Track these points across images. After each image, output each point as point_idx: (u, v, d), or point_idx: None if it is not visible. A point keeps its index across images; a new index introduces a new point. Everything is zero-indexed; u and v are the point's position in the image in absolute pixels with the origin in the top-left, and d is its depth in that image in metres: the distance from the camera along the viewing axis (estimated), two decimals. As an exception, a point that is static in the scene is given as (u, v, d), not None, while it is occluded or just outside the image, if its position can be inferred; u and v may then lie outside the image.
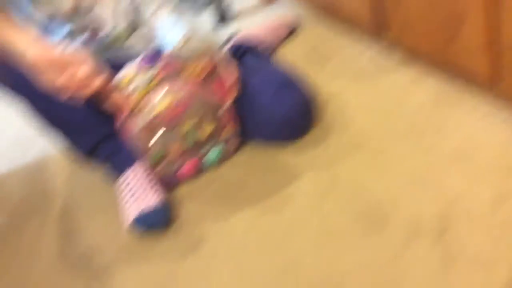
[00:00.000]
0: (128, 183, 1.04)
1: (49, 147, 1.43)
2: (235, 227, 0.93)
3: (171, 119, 0.93)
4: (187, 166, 1.03)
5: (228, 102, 0.99)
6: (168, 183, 1.05)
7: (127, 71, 0.90)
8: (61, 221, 1.12)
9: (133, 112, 0.91)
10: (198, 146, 1.01)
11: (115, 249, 0.97)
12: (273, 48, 1.48)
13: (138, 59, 0.91)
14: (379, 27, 1.19)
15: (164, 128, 0.94)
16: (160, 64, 0.91)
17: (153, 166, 0.99)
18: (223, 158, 1.08)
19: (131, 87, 0.90)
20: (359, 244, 0.83)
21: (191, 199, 1.03)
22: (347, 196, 0.91)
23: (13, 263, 1.05)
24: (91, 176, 1.20)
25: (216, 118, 0.99)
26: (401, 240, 0.81)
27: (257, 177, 1.02)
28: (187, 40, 0.90)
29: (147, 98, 0.92)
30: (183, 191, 1.06)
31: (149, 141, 0.95)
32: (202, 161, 1.05)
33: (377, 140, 1.01)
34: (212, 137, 1.02)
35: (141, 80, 0.91)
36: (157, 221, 0.96)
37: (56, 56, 0.86)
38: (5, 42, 0.87)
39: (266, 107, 1.02)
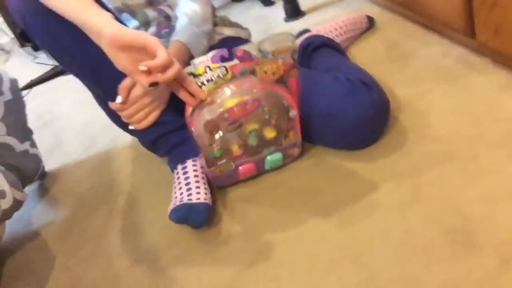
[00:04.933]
0: (179, 177, 1.02)
1: (118, 137, 1.45)
2: (304, 237, 0.86)
3: (238, 117, 0.89)
4: (247, 165, 0.99)
5: (297, 106, 0.93)
6: (227, 178, 1.02)
7: (199, 63, 0.87)
8: (126, 214, 1.12)
9: (202, 104, 0.88)
10: (260, 147, 0.97)
11: (180, 247, 0.95)
12: (347, 45, 1.41)
13: (210, 54, 0.87)
14: (468, 27, 1.08)
15: (230, 125, 0.90)
16: (234, 60, 0.87)
17: (213, 161, 0.95)
18: (286, 162, 1.03)
19: (203, 78, 0.86)
20: (446, 262, 0.74)
21: (255, 202, 0.98)
22: (432, 211, 0.82)
23: (79, 253, 1.06)
24: (158, 169, 1.19)
25: (283, 121, 0.94)
26: (495, 263, 0.72)
27: (327, 185, 0.95)
28: (265, 38, 0.84)
29: (216, 93, 0.88)
30: (246, 192, 1.02)
31: (212, 137, 0.91)
32: (263, 162, 1.00)
33: (467, 147, 0.91)
34: (276, 140, 0.96)
35: (213, 73, 0.87)
36: (192, 218, 0.93)
37: (134, 36, 0.81)
38: (83, 19, 0.84)
39: (338, 108, 0.93)
